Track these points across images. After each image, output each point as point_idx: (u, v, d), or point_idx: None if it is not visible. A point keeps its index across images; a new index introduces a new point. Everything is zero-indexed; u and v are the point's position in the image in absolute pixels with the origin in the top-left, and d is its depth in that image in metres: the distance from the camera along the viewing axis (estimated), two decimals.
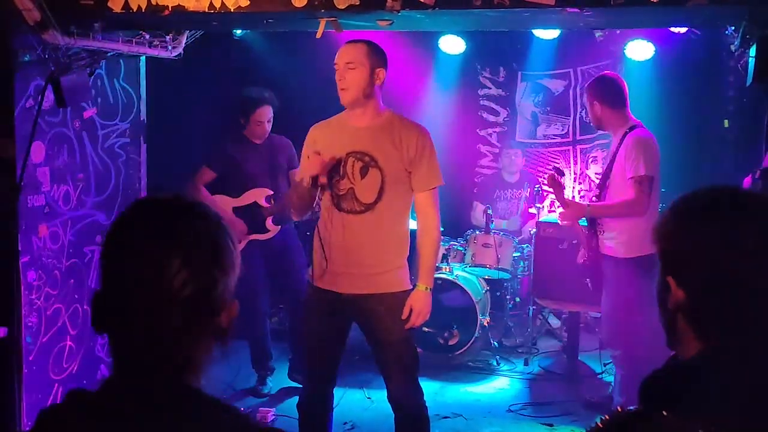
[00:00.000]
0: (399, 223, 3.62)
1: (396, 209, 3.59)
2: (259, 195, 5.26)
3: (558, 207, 7.00)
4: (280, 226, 5.29)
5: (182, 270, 1.27)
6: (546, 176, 4.86)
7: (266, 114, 5.21)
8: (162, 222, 1.32)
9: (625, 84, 4.72)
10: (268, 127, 5.25)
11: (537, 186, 6.71)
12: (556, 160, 7.56)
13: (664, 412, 1.29)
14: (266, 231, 5.28)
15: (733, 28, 3.94)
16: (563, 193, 4.74)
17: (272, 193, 5.27)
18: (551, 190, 4.79)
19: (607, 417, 1.36)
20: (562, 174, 4.80)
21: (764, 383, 1.28)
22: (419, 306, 3.56)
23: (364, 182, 3.52)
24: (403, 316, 3.56)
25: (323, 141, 3.62)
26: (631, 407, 1.36)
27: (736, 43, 3.77)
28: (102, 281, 1.33)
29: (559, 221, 4.95)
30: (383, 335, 3.60)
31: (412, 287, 3.62)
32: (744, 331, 1.32)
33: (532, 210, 6.56)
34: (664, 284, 1.41)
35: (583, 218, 4.76)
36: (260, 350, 5.43)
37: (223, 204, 5.26)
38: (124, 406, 1.27)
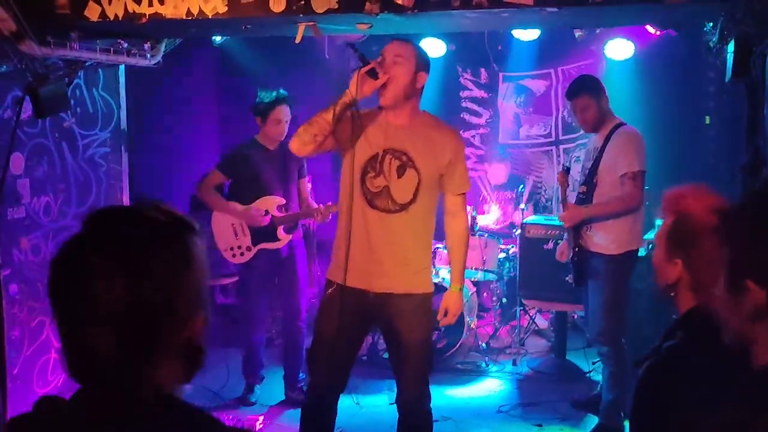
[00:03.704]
0: (429, 225, 3.61)
1: (428, 211, 3.56)
2: (271, 203, 5.14)
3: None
4: (291, 235, 5.23)
5: (115, 278, 1.20)
6: (559, 173, 4.87)
7: (285, 113, 5.07)
8: (103, 230, 1.27)
9: None
10: (286, 127, 5.10)
11: (521, 186, 6.73)
12: (540, 161, 7.57)
13: None
14: (277, 240, 5.17)
15: (711, 24, 3.96)
16: (566, 193, 4.76)
17: (285, 202, 5.17)
18: (561, 186, 4.81)
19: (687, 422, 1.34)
20: (569, 172, 4.83)
21: None
22: (454, 307, 3.70)
23: (400, 182, 3.47)
24: (439, 317, 3.67)
25: (360, 130, 3.49)
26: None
27: (714, 39, 3.79)
28: (48, 292, 1.28)
29: (559, 222, 4.95)
30: (405, 336, 3.56)
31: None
32: None
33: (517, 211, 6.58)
34: (738, 288, 1.38)
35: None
36: (253, 358, 5.36)
37: None
38: (93, 420, 1.23)
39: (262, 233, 5.14)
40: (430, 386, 3.71)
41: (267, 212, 5.13)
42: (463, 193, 3.64)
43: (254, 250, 5.17)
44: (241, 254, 5.19)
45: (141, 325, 1.23)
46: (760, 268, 1.35)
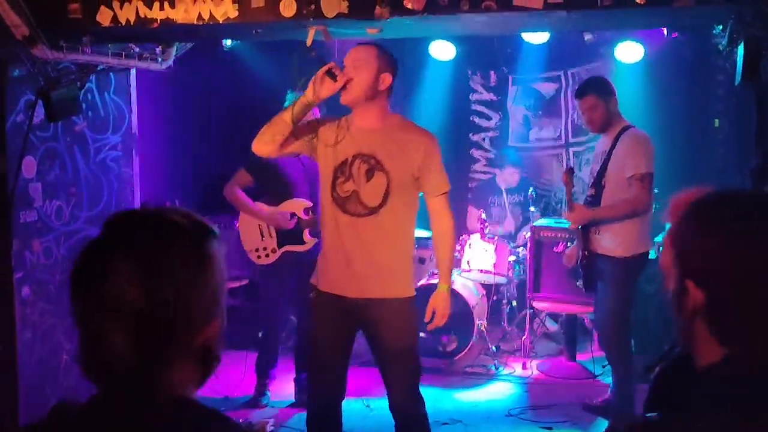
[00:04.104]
0: (404, 228, 3.58)
1: (401, 214, 3.54)
2: (297, 206, 5.13)
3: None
4: (317, 239, 5.22)
5: (133, 279, 1.22)
6: (563, 173, 4.87)
7: (316, 115, 4.99)
8: (123, 232, 1.29)
9: None
10: None
11: (531, 189, 6.72)
12: (550, 164, 7.57)
13: (698, 422, 1.28)
14: (303, 243, 5.15)
15: (720, 27, 3.96)
16: (571, 194, 4.76)
17: (311, 204, 5.13)
18: (565, 185, 4.82)
19: (630, 425, 1.34)
20: (573, 172, 4.83)
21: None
22: (442, 306, 3.62)
23: (369, 185, 3.47)
24: (426, 318, 3.61)
25: (328, 135, 3.54)
26: (652, 414, 1.34)
27: (723, 42, 3.79)
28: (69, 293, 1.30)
29: (566, 221, 4.94)
30: (387, 342, 3.55)
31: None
32: (757, 340, 1.30)
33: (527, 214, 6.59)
34: (681, 288, 1.39)
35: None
36: (269, 358, 5.34)
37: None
38: (107, 421, 1.25)
39: (288, 236, 5.13)
40: (420, 389, 3.67)
41: (293, 215, 5.13)
42: (444, 194, 3.60)
43: (279, 252, 5.17)
44: (266, 256, 5.18)
45: (158, 327, 1.25)
46: (698, 268, 1.36)
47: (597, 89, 4.70)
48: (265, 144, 3.54)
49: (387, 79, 3.47)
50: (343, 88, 3.43)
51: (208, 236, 1.32)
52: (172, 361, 1.28)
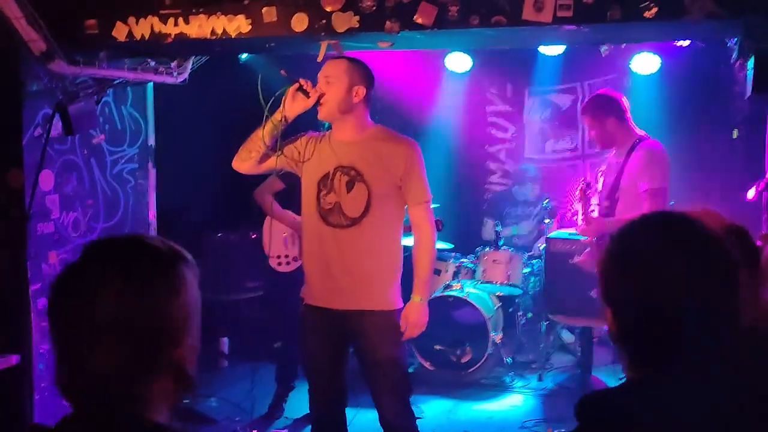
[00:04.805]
0: (388, 238, 3.60)
1: (384, 224, 3.57)
2: None
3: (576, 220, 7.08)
4: None
5: (110, 300, 1.29)
6: (578, 188, 4.85)
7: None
8: (101, 256, 1.35)
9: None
10: None
11: (546, 201, 6.71)
12: (566, 175, 7.55)
13: None
14: None
15: (736, 39, 3.95)
16: (588, 208, 4.73)
17: None
18: (580, 202, 4.79)
19: None
20: (590, 187, 4.81)
21: (677, 418, 1.32)
22: (414, 317, 3.59)
23: (350, 196, 3.51)
24: (402, 329, 3.59)
25: (308, 150, 3.61)
26: (563, 430, 1.42)
27: (734, 55, 3.78)
28: (48, 313, 1.36)
29: (580, 236, 4.91)
30: (370, 354, 3.58)
31: (402, 306, 3.63)
32: (665, 362, 1.36)
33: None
34: (605, 313, 1.47)
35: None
36: (289, 367, 5.37)
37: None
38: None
39: None
40: (410, 404, 3.68)
41: None
42: (425, 203, 3.60)
43: (300, 261, 5.21)
44: (287, 263, 5.22)
45: (134, 344, 1.30)
46: (609, 296, 1.46)
47: (591, 111, 4.69)
48: (242, 161, 3.67)
49: (360, 91, 3.51)
50: (318, 103, 3.49)
51: (180, 260, 1.39)
52: (148, 378, 1.33)
